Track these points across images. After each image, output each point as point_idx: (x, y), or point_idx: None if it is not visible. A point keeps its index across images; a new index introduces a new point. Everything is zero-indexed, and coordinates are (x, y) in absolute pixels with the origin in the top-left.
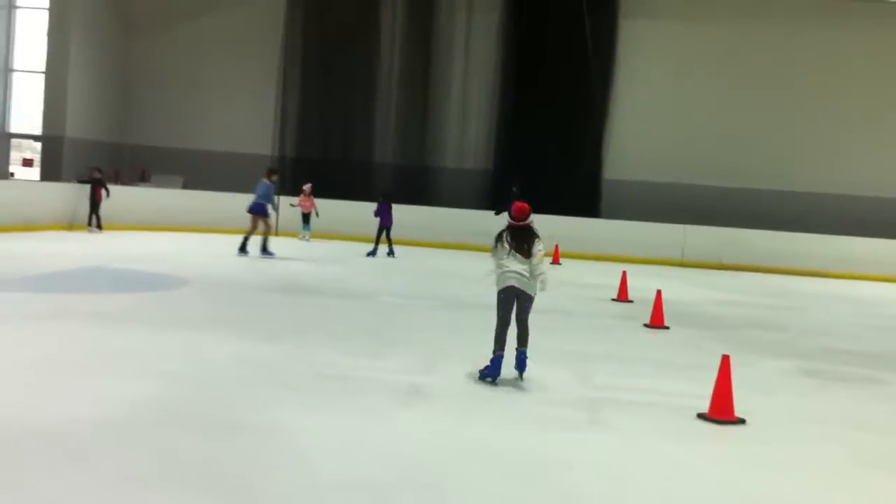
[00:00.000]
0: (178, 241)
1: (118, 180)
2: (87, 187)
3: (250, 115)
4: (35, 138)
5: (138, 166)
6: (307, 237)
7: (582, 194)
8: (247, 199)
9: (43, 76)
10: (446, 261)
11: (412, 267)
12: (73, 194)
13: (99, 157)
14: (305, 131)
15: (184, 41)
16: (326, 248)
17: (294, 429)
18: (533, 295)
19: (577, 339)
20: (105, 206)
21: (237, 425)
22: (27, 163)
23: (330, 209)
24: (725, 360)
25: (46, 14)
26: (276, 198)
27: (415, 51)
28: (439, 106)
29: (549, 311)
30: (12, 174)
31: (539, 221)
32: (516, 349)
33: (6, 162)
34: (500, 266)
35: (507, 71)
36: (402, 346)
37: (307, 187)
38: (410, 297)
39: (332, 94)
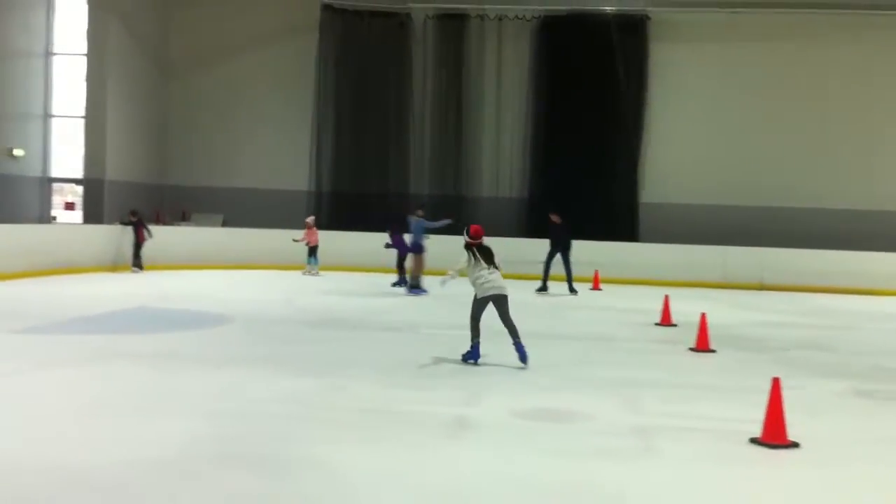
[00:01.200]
0: (220, 279)
1: (159, 220)
2: (130, 229)
3: (286, 152)
4: (76, 182)
5: (179, 206)
6: (315, 271)
7: (619, 219)
8: (284, 234)
9: (83, 121)
10: None
11: (451, 298)
12: (115, 236)
13: (139, 199)
14: (340, 165)
15: (219, 82)
16: (366, 281)
17: (344, 464)
18: (507, 295)
19: (622, 365)
20: (147, 246)
21: (287, 462)
22: (69, 206)
23: (367, 242)
24: (776, 383)
25: (84, 60)
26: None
27: (446, 82)
28: (473, 135)
29: (592, 338)
30: (55, 218)
31: (577, 247)
32: (514, 342)
33: (49, 206)
34: (479, 278)
35: (539, 98)
36: (446, 379)
37: (310, 220)
38: (452, 329)
39: (366, 127)
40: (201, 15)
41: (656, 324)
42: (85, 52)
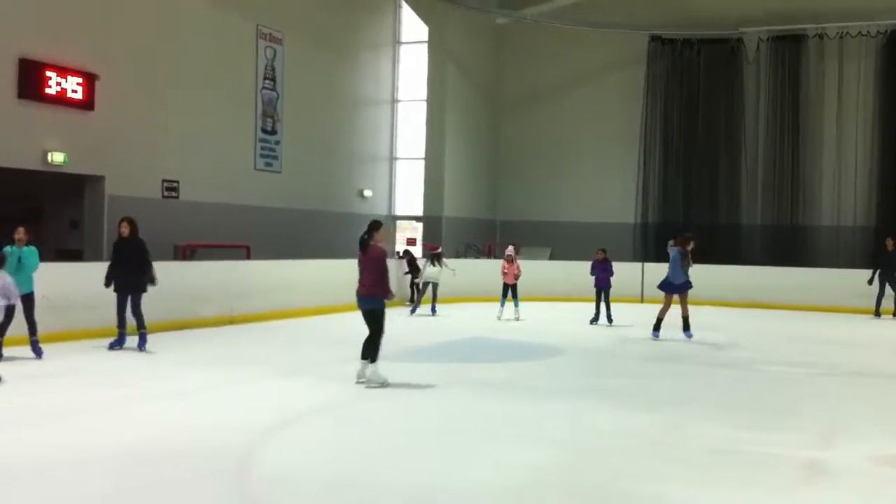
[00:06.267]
0: (549, 311)
1: (491, 254)
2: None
3: (612, 185)
4: (417, 219)
5: (509, 240)
6: (508, 313)
7: None
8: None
9: (422, 162)
10: (827, 325)
11: (791, 333)
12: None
13: (473, 233)
14: (668, 196)
15: (547, 119)
16: (699, 314)
17: None
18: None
19: None
20: (480, 278)
21: (632, 499)
22: (410, 242)
23: (709, 274)
24: None
25: (424, 105)
26: None
27: (781, 106)
28: (811, 161)
29: None
30: (397, 254)
31: None
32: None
33: (392, 242)
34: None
35: (889, 120)
36: (792, 419)
37: (510, 250)
38: (792, 366)
39: (694, 157)
40: (531, 56)
41: None
42: (425, 97)
